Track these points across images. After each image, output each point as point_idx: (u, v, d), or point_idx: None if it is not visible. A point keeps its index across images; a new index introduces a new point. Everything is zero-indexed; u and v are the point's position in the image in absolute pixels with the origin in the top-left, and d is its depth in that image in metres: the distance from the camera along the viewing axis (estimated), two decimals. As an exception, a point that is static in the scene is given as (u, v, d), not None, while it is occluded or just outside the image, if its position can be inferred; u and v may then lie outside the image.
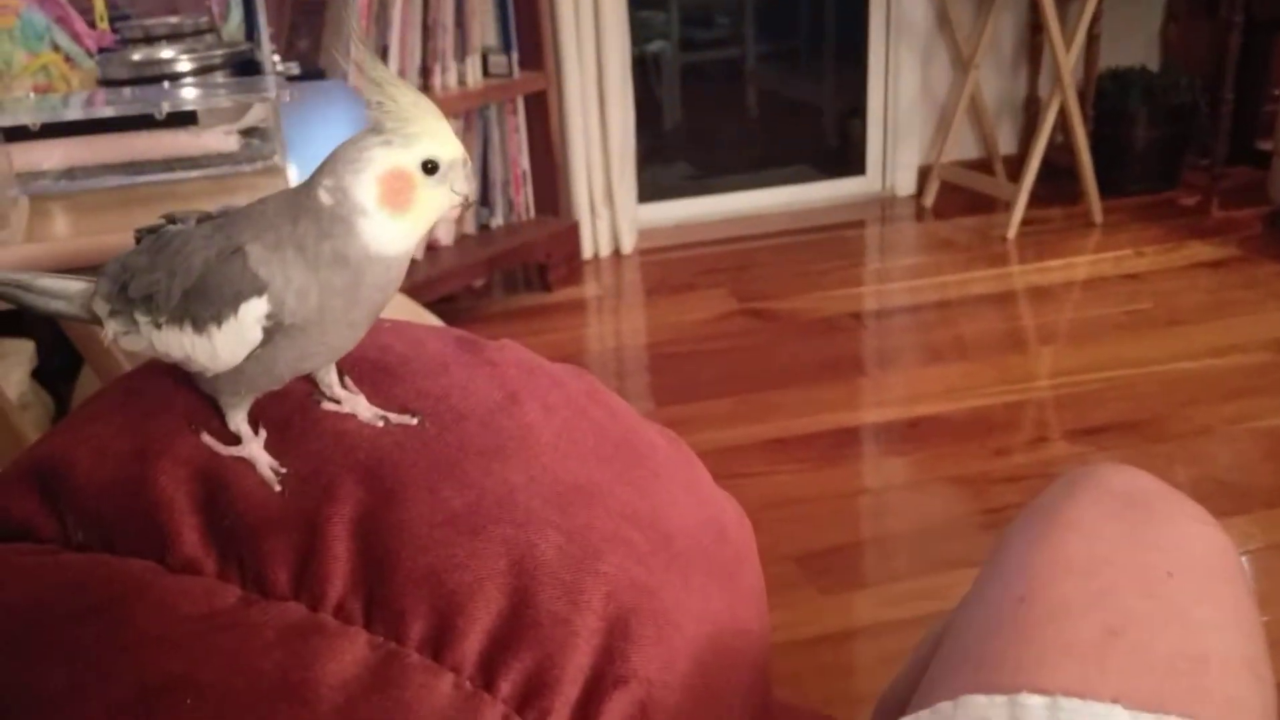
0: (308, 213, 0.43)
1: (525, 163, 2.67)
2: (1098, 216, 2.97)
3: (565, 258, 2.72)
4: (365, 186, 0.43)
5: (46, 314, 0.50)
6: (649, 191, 3.07)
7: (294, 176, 0.86)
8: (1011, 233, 2.93)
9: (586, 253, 2.86)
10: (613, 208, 2.86)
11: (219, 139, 0.81)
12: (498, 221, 2.67)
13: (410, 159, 0.43)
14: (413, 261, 2.42)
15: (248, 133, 0.83)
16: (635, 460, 0.53)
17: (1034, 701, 0.46)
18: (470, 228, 2.62)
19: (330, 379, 0.49)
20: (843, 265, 2.92)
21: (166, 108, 0.76)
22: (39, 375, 1.85)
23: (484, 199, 2.64)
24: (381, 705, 0.37)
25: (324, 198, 0.43)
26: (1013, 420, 2.14)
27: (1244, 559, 1.71)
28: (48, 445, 0.47)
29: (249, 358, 0.44)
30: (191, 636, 0.37)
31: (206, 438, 0.46)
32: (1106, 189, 2.98)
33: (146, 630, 0.37)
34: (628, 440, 0.54)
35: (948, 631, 0.56)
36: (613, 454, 0.52)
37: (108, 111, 0.76)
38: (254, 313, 0.43)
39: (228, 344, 0.44)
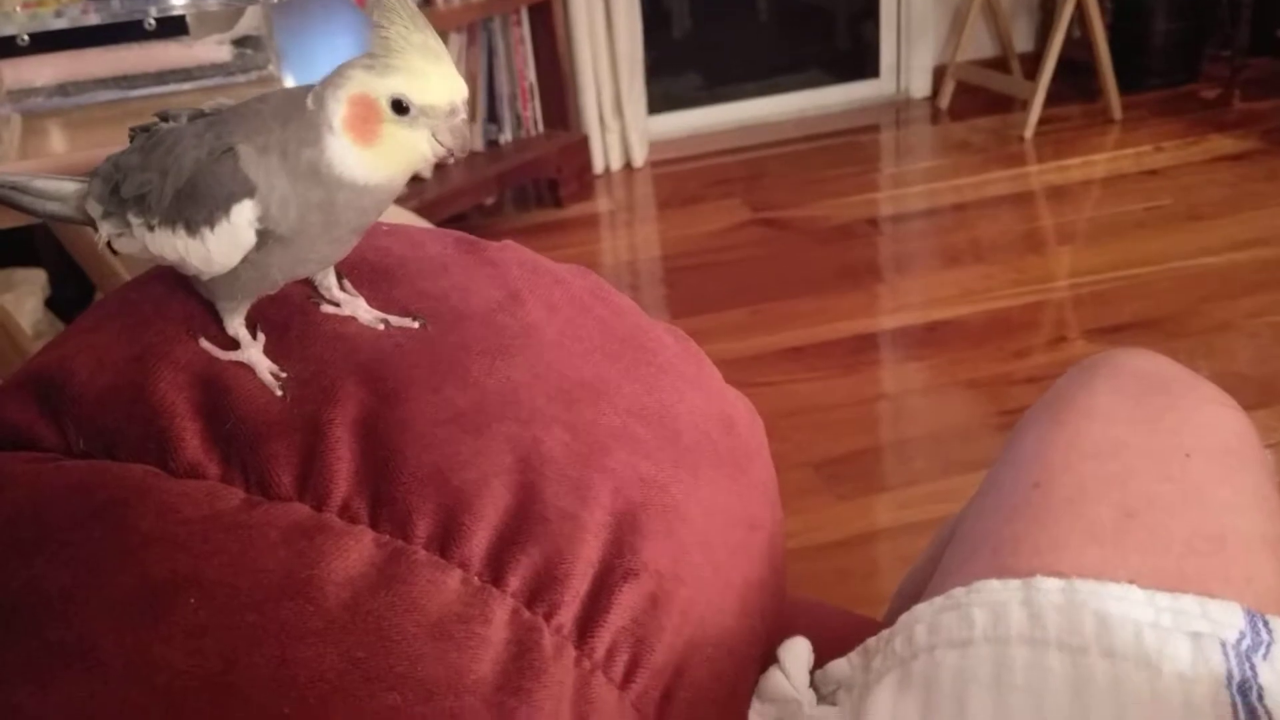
0: (297, 116, 0.42)
1: (532, 76, 2.62)
2: (1117, 112, 2.90)
3: (576, 172, 2.69)
4: (336, 104, 0.41)
5: (43, 216, 0.49)
6: (659, 102, 3.02)
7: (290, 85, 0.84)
8: (1029, 132, 2.87)
9: (597, 167, 2.82)
10: (622, 120, 2.82)
11: (211, 49, 0.79)
12: (506, 137, 2.63)
13: (380, 90, 0.41)
14: (420, 180, 2.40)
15: (240, 42, 0.81)
16: (641, 357, 0.52)
17: (1049, 584, 0.45)
18: (479, 144, 2.58)
19: (329, 282, 0.48)
20: (857, 171, 2.88)
21: (154, 13, 0.74)
22: (52, 304, 1.85)
23: (491, 114, 2.60)
24: (389, 601, 0.37)
25: (310, 102, 0.42)
26: (1031, 321, 2.12)
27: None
28: (45, 356, 0.46)
29: (243, 261, 0.43)
30: (194, 537, 0.37)
31: (205, 343, 0.45)
32: (1125, 84, 2.90)
33: (149, 532, 0.37)
34: (634, 337, 0.53)
35: (962, 520, 0.56)
36: (618, 350, 0.52)
37: (95, 19, 0.74)
38: (245, 215, 0.42)
39: (221, 247, 0.43)
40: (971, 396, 1.93)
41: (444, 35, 2.34)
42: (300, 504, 0.41)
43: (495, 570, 0.41)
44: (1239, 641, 0.43)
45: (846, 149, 3.02)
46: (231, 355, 0.45)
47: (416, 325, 0.48)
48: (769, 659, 0.50)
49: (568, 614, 0.41)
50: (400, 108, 0.41)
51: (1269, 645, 0.44)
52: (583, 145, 2.72)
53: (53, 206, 0.48)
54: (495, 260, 0.54)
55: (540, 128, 2.68)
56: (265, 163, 0.42)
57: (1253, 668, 0.42)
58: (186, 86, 0.78)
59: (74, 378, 0.43)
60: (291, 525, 0.39)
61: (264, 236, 0.43)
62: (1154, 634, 0.43)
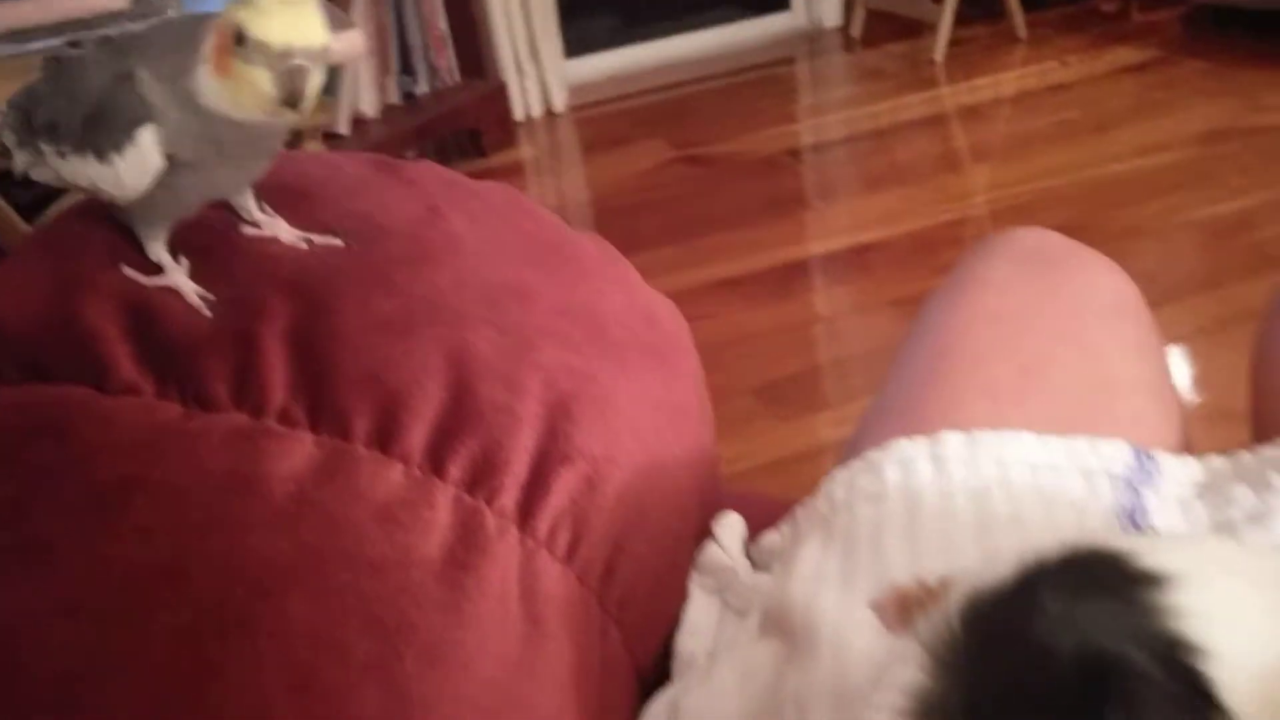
0: (187, 43, 0.43)
1: (443, 24, 2.59)
2: (1022, 31, 2.96)
3: (496, 120, 2.67)
4: (209, 34, 0.42)
5: None
6: (575, 46, 3.00)
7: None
8: (939, 55, 2.91)
9: (518, 114, 2.81)
10: (539, 65, 2.80)
11: (109, -1, 0.79)
12: (422, 89, 2.60)
13: (232, 20, 0.41)
14: (339, 137, 2.37)
15: (139, -10, 0.80)
16: (563, 261, 0.54)
17: (952, 438, 0.48)
18: (395, 97, 2.55)
19: (248, 205, 0.49)
20: (776, 103, 2.90)
21: (46, -38, 0.73)
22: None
23: (405, 66, 2.57)
24: (334, 492, 0.39)
25: (202, 29, 0.43)
26: (953, 237, 2.17)
27: (1180, 347, 1.77)
28: (-30, 296, 0.47)
29: (156, 186, 0.44)
30: (137, 445, 0.38)
31: (127, 270, 0.46)
32: (1029, 2, 2.96)
33: (92, 442, 0.38)
34: (555, 244, 0.55)
35: (876, 394, 0.59)
36: (540, 256, 0.53)
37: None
38: (148, 139, 0.43)
39: (130, 171, 0.43)
40: (901, 312, 1.98)
41: (350, -12, 2.30)
42: (238, 413, 0.42)
43: (435, 462, 0.42)
44: (1126, 473, 0.47)
45: (764, 82, 3.04)
46: (156, 280, 0.46)
47: (339, 243, 0.49)
48: (705, 535, 0.53)
49: (509, 498, 0.43)
50: (240, 40, 0.41)
51: (1154, 475, 0.47)
52: (501, 93, 2.70)
53: None
54: (413, 178, 0.55)
55: (456, 77, 2.65)
56: (160, 89, 0.43)
57: (1139, 496, 0.46)
58: (84, 36, 0.78)
59: (1, 311, 0.44)
60: (231, 431, 0.40)
61: (171, 160, 0.43)
62: (1050, 473, 0.46)
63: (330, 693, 0.34)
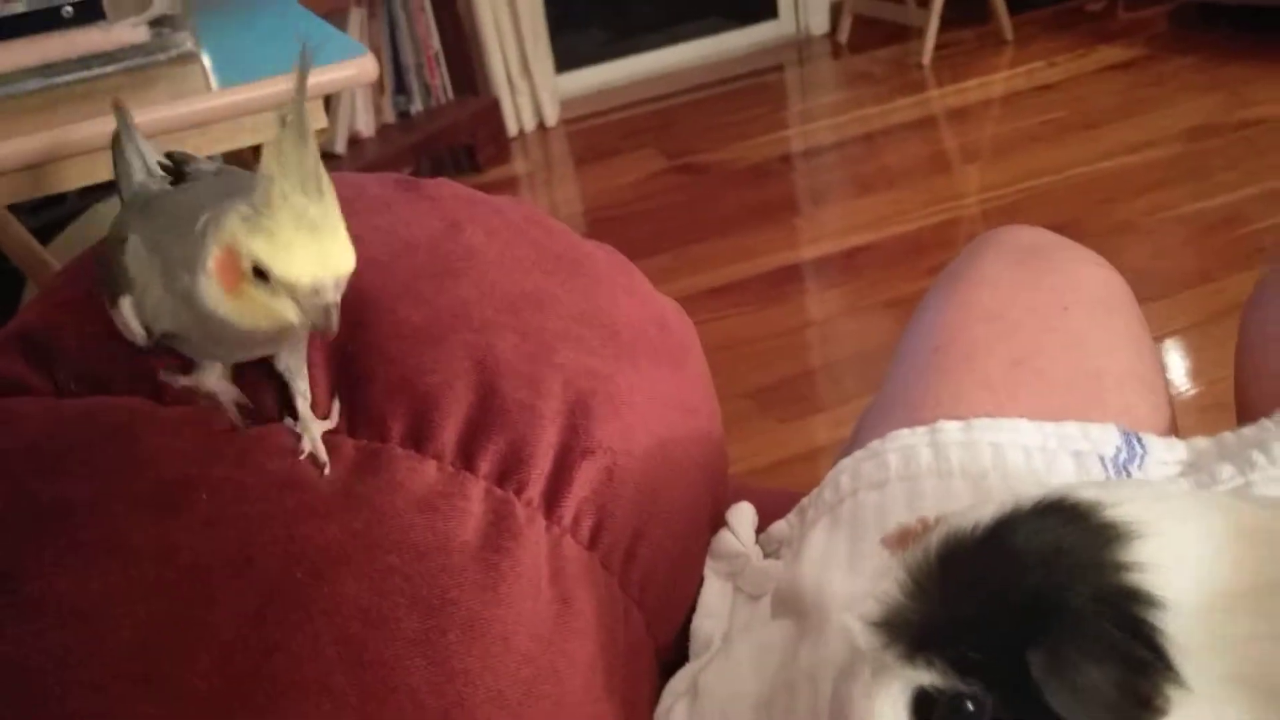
0: (188, 231, 0.39)
1: (436, 43, 2.63)
2: (1008, 33, 3.00)
3: (490, 136, 2.71)
4: (212, 245, 0.38)
5: None
6: (566, 60, 3.04)
7: (209, 65, 0.87)
8: (926, 59, 2.95)
9: (511, 129, 2.84)
10: (531, 80, 2.84)
11: (129, 31, 0.82)
12: (417, 107, 2.64)
13: (244, 249, 0.37)
14: (335, 157, 2.40)
15: (156, 23, 0.83)
16: (576, 270, 0.57)
17: (950, 426, 0.52)
18: (390, 116, 2.59)
19: (295, 380, 0.45)
20: (766, 111, 2.93)
21: (70, 0, 0.77)
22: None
23: (399, 85, 2.61)
24: (376, 485, 0.42)
25: (199, 228, 0.39)
26: (943, 239, 2.21)
27: (1172, 339, 1.80)
28: (24, 317, 0.50)
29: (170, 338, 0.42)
30: (197, 448, 0.41)
31: (164, 374, 0.45)
32: (1015, 4, 3.00)
33: (156, 446, 0.41)
34: (568, 254, 0.58)
35: (877, 392, 0.62)
36: (554, 266, 0.57)
37: (19, 8, 0.76)
38: (128, 309, 0.42)
39: (126, 328, 0.43)
40: (893, 314, 2.01)
41: (344, 13, 2.35)
42: (284, 424, 0.45)
43: (466, 458, 0.46)
44: (1116, 455, 0.50)
45: (754, 90, 3.08)
46: (188, 381, 0.44)
47: (326, 467, 0.43)
48: (718, 525, 0.56)
49: (535, 490, 0.46)
50: (261, 274, 0.37)
51: (1143, 456, 0.51)
52: (494, 109, 2.74)
53: None
54: (433, 195, 0.58)
55: (450, 95, 2.69)
56: (152, 262, 0.41)
57: (1129, 475, 0.49)
58: (110, 69, 0.81)
59: (60, 330, 0.47)
60: (281, 438, 0.44)
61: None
62: (1042, 455, 0.49)
63: (381, 664, 0.37)
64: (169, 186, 0.47)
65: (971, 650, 0.29)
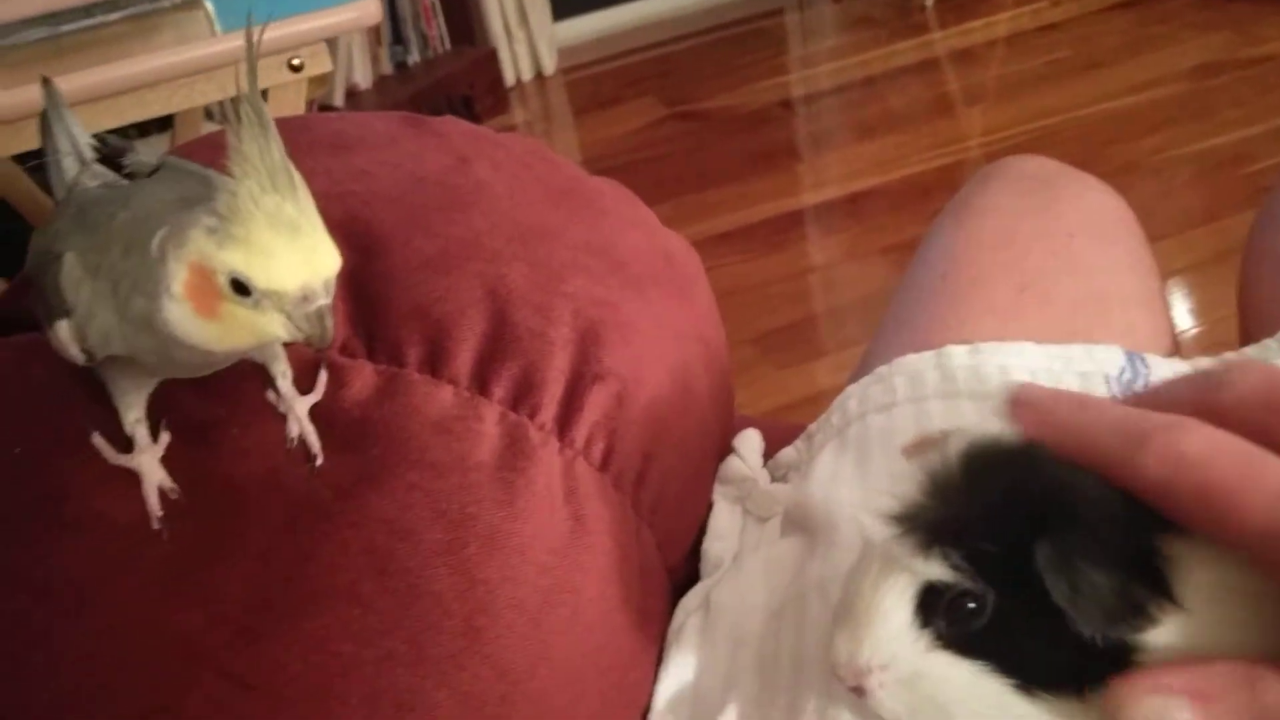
0: (140, 249, 0.35)
1: (433, -8, 2.61)
2: (1012, -28, 2.97)
3: (489, 86, 2.70)
4: (176, 264, 0.33)
5: None
6: (563, 8, 3.02)
7: (212, 10, 0.87)
8: (929, 1, 2.93)
9: (509, 79, 2.83)
10: (528, 28, 2.82)
11: (131, -23, 0.82)
12: (414, 58, 2.62)
13: (218, 264, 0.33)
14: (333, 109, 2.40)
15: (158, -33, 0.83)
16: (583, 203, 0.58)
17: (957, 350, 0.53)
18: (387, 67, 2.57)
19: (274, 369, 0.43)
20: (766, 56, 2.92)
21: (74, -58, 0.76)
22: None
23: (397, 36, 2.59)
24: (393, 409, 0.43)
25: (154, 248, 0.34)
26: (947, 182, 2.21)
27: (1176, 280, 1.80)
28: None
29: (112, 363, 0.38)
30: (224, 376, 0.42)
31: (97, 439, 0.40)
32: (1018, -57, 2.97)
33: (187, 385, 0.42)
34: (574, 188, 0.59)
35: (882, 319, 0.63)
36: (561, 199, 0.57)
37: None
38: (65, 333, 0.37)
39: (64, 350, 0.38)
40: (895, 258, 2.02)
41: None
42: (305, 348, 0.46)
43: (480, 383, 0.47)
44: (1120, 375, 0.51)
45: (754, 35, 3.06)
46: (121, 460, 0.39)
47: (319, 459, 0.41)
48: (726, 453, 0.57)
49: (548, 414, 0.47)
50: (240, 288, 0.33)
51: (1146, 376, 0.52)
52: (492, 58, 2.72)
53: None
54: (439, 131, 0.59)
55: (447, 44, 2.68)
56: (94, 286, 0.36)
57: (1133, 394, 0.50)
58: (114, 16, 0.81)
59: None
60: (303, 362, 0.45)
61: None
62: (1048, 376, 0.50)
63: (407, 572, 0.39)
64: (106, 180, 0.42)
65: (986, 542, 0.30)
